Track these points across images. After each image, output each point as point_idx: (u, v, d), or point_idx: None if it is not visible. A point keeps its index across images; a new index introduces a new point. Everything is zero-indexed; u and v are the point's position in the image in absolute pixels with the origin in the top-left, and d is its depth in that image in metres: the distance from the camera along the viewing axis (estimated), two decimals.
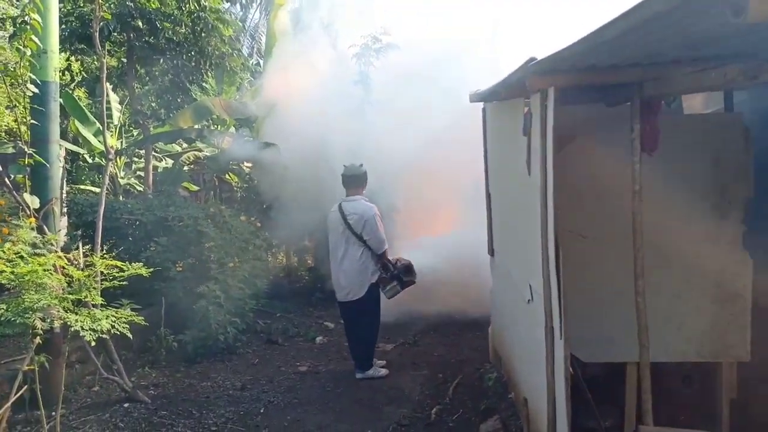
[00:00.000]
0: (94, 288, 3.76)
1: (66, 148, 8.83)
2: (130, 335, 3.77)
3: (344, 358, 5.86)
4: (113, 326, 3.61)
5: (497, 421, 4.00)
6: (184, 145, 11.65)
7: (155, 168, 10.32)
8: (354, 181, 5.45)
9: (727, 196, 3.67)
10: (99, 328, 3.50)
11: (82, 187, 9.84)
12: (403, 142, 7.38)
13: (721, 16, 1.43)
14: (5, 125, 9.47)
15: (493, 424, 3.99)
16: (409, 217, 7.74)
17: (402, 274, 5.41)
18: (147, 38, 8.71)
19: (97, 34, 5.20)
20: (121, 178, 10.06)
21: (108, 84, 11.13)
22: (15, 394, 4.19)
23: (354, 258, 5.29)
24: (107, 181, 5.28)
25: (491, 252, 5.39)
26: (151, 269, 4.25)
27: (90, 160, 10.27)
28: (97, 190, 9.57)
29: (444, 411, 4.55)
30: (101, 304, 3.88)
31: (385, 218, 5.98)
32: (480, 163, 5.86)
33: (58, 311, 3.80)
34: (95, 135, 9.66)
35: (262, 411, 4.70)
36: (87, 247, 4.94)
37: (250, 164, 9.44)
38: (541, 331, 3.31)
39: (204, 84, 10.41)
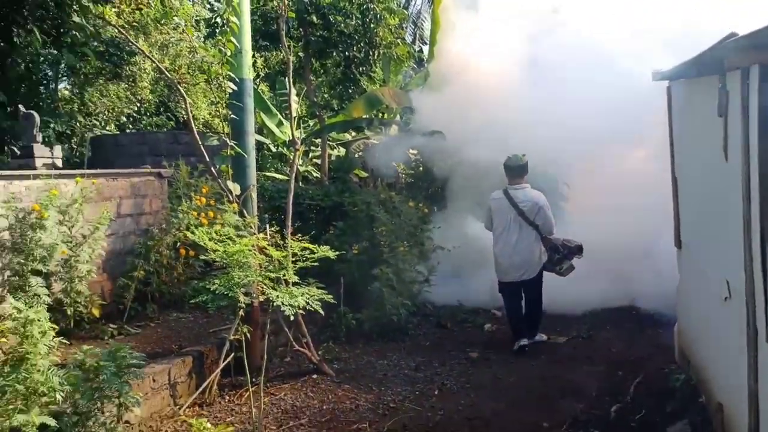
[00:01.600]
0: (290, 267, 4.14)
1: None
2: (321, 312, 4.11)
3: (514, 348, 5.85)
4: (308, 303, 3.96)
5: (686, 425, 3.76)
6: (353, 134, 12.27)
7: (329, 156, 10.98)
8: (519, 170, 5.90)
9: None
10: (296, 303, 3.87)
11: (267, 174, 10.78)
12: (576, 126, 7.11)
13: None
14: (206, 119, 10.64)
15: (681, 427, 3.76)
16: (580, 204, 7.48)
17: (575, 254, 5.86)
18: (321, 32, 9.27)
19: (283, 32, 5.65)
20: (300, 165, 10.84)
21: (285, 78, 12.07)
22: (224, 361, 4.81)
23: (529, 241, 5.81)
24: (295, 169, 5.72)
25: (678, 244, 5.03)
26: (336, 251, 4.55)
27: (273, 149, 11.20)
28: (280, 176, 10.45)
29: (624, 410, 4.36)
30: (294, 282, 4.26)
31: (552, 205, 6.14)
32: (659, 146, 5.51)
33: (259, 287, 4.25)
34: (278, 126, 10.52)
35: (436, 393, 4.86)
36: (273, 229, 5.43)
37: (415, 151, 9.68)
38: (741, 331, 3.06)
39: (372, 74, 10.83)
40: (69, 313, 5.10)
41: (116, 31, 9.25)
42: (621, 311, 6.72)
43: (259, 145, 11.06)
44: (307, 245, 4.22)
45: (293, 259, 4.30)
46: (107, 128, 11.88)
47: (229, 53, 4.99)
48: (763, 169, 2.78)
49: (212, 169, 5.18)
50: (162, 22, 10.39)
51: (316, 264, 4.29)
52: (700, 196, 4.29)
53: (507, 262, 5.89)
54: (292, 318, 4.23)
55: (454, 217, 8.03)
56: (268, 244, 4.40)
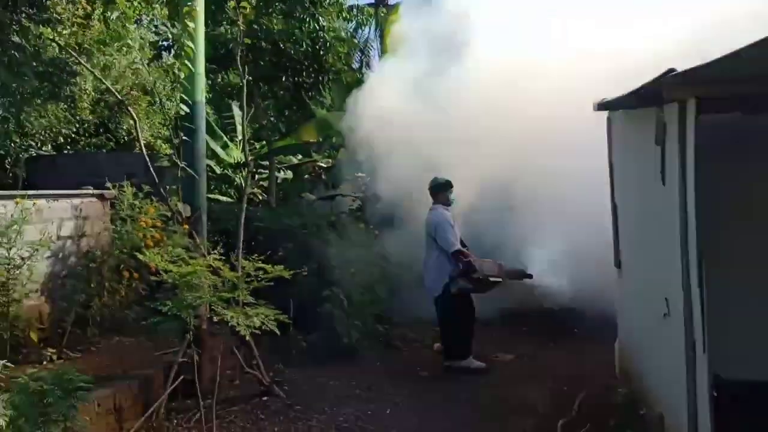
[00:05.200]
0: (244, 288, 4.12)
1: None
2: (278, 332, 4.09)
3: None
4: (263, 323, 3.94)
5: None
6: (299, 156, 12.26)
7: (276, 178, 10.93)
8: (433, 190, 6.21)
9: None
10: (252, 323, 3.84)
11: (211, 196, 10.60)
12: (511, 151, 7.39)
13: None
14: (149, 140, 10.40)
15: None
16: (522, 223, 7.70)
17: (472, 272, 5.87)
18: (271, 57, 9.30)
19: (239, 58, 5.65)
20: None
21: (232, 100, 12.00)
22: (171, 384, 4.68)
23: (431, 258, 6.05)
24: (247, 191, 5.69)
25: (617, 264, 5.28)
26: (290, 272, 4.55)
27: (218, 171, 11.04)
28: (225, 198, 10.30)
29: (570, 424, 4.51)
30: (247, 302, 4.22)
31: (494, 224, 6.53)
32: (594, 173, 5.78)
33: (210, 309, 4.19)
34: (223, 148, 10.41)
35: (388, 412, 4.90)
36: (221, 250, 5.34)
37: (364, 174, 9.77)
38: (680, 347, 3.24)
39: (321, 99, 10.92)
40: (5, 337, 4.86)
41: (57, 51, 9.00)
42: (565, 328, 6.93)
43: None
44: (261, 265, 4.21)
45: (246, 280, 4.28)
46: (44, 149, 11.42)
47: (182, 76, 4.99)
48: (698, 191, 3.01)
49: (161, 190, 5.11)
50: (106, 43, 10.17)
51: (269, 284, 4.27)
52: (638, 219, 4.54)
53: (425, 279, 6.20)
54: (243, 339, 4.19)
55: (403, 237, 8.12)
56: (226, 265, 4.37)
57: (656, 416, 3.85)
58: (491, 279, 6.00)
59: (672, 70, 3.10)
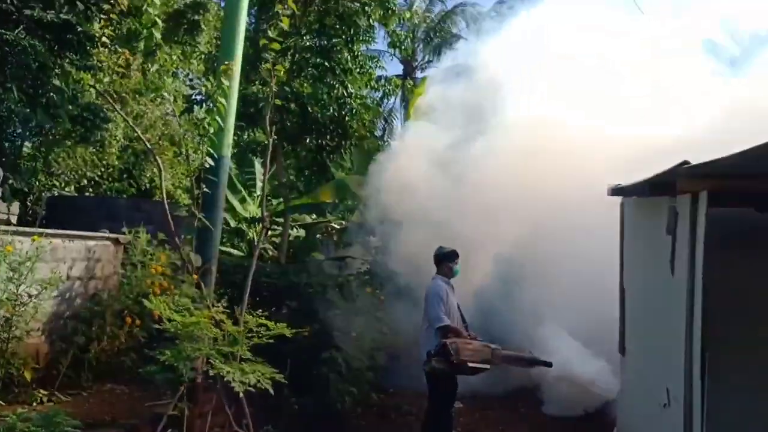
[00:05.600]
0: (244, 343, 4.10)
1: None
2: (272, 391, 4.03)
3: None
4: (259, 381, 3.89)
5: None
6: (314, 216, 12.42)
7: (289, 236, 11.03)
8: (436, 260, 5.91)
9: None
10: (247, 380, 3.80)
11: (222, 248, 10.71)
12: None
13: None
14: (170, 190, 10.64)
15: None
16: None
17: (448, 354, 5.29)
18: (297, 119, 9.59)
19: (268, 118, 5.83)
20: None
21: (256, 157, 12.28)
22: None
23: (422, 330, 5.71)
24: (259, 246, 5.74)
25: (622, 351, 5.19)
26: (292, 330, 4.53)
27: (233, 225, 11.19)
28: (236, 252, 10.38)
29: None
30: (245, 358, 4.19)
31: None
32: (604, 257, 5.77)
33: (208, 362, 4.16)
34: (241, 202, 10.59)
35: None
36: (225, 303, 5.35)
37: (376, 238, 9.83)
38: None
39: (342, 162, 11.15)
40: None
41: (93, 96, 9.37)
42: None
43: None
44: (264, 321, 4.20)
45: (248, 335, 4.26)
46: (66, 189, 11.71)
47: (212, 130, 5.14)
48: (707, 283, 3.00)
49: (176, 239, 5.17)
50: (142, 93, 10.60)
51: (270, 341, 4.25)
52: (645, 307, 4.49)
53: (420, 350, 5.70)
54: (236, 397, 4.13)
55: (408, 305, 8.07)
56: (230, 318, 4.36)
57: None
58: (471, 365, 5.37)
59: (686, 162, 3.16)
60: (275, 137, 10.15)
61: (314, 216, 12.21)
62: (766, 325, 3.46)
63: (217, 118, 4.99)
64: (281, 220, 10.48)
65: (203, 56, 12.11)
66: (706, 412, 2.95)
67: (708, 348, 3.05)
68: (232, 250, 10.84)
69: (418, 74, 21.61)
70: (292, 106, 9.32)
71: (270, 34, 7.97)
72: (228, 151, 5.48)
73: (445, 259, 5.86)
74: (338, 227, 11.43)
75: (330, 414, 6.07)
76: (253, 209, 11.57)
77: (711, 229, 3.07)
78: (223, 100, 4.99)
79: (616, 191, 5.20)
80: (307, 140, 9.70)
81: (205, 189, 5.18)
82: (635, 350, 4.77)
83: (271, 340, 4.23)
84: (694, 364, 3.06)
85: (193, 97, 10.82)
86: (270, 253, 11.35)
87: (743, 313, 3.66)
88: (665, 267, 3.59)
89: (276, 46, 6.61)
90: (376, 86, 10.55)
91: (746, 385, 3.48)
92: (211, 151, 5.08)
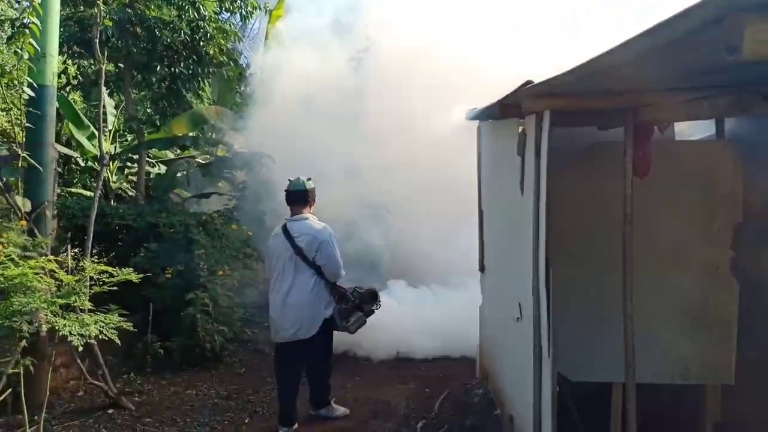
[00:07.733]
0: (84, 293, 3.75)
1: (59, 151, 8.82)
2: (118, 341, 3.75)
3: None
4: (101, 332, 3.59)
5: None
6: (177, 152, 11.67)
7: (148, 174, 10.30)
8: (300, 197, 4.59)
9: (716, 221, 3.73)
10: (87, 333, 3.49)
11: (73, 190, 9.80)
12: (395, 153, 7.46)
13: (715, 53, 1.47)
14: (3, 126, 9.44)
15: None
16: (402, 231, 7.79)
17: (365, 303, 4.75)
18: (145, 45, 8.74)
19: (97, 41, 5.22)
20: (113, 182, 10.02)
21: (104, 89, 11.16)
22: None
23: (305, 289, 4.44)
24: (100, 185, 5.25)
25: (481, 268, 5.42)
26: (141, 275, 4.23)
27: (83, 164, 10.24)
28: (89, 193, 9.54)
29: (429, 426, 4.55)
30: (89, 309, 3.86)
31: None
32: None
33: (46, 315, 3.78)
34: (89, 139, 9.64)
35: (246, 421, 4.69)
36: (76, 250, 4.93)
37: (243, 172, 9.45)
38: (529, 349, 3.34)
39: (200, 92, 10.42)
40: None
41: None
42: None
43: (67, 159, 10.04)
44: (105, 268, 3.86)
45: (90, 284, 3.90)
46: None
47: (26, 56, 4.48)
48: (550, 203, 3.09)
49: None
50: None
51: (115, 288, 3.92)
52: (500, 226, 4.66)
53: (277, 315, 4.49)
54: (81, 349, 3.81)
55: None
56: (61, 267, 3.95)
57: (507, 417, 3.95)
58: (373, 310, 4.87)
59: (530, 81, 3.17)
60: (121, 65, 9.28)
61: (178, 152, 11.46)
62: (605, 236, 3.67)
63: (32, 41, 4.34)
64: (137, 157, 9.70)
65: None
66: (551, 322, 3.11)
67: (553, 263, 3.19)
68: (84, 192, 9.94)
69: None
70: (138, 30, 8.45)
71: None
72: (53, 79, 4.84)
73: (312, 196, 4.67)
74: (203, 162, 10.82)
75: (200, 354, 5.89)
76: (106, 146, 10.61)
77: (558, 148, 3.15)
78: (36, 20, 4.33)
79: (471, 115, 5.26)
80: (158, 68, 8.89)
81: (27, 124, 4.57)
82: (492, 268, 4.98)
83: (114, 287, 3.89)
84: (540, 280, 3.20)
85: (16, 20, 9.52)
86: (130, 193, 10.58)
87: (586, 227, 3.89)
88: (516, 188, 3.69)
89: None
90: (232, 8, 9.76)
91: (591, 296, 3.72)
92: (30, 80, 4.45)
